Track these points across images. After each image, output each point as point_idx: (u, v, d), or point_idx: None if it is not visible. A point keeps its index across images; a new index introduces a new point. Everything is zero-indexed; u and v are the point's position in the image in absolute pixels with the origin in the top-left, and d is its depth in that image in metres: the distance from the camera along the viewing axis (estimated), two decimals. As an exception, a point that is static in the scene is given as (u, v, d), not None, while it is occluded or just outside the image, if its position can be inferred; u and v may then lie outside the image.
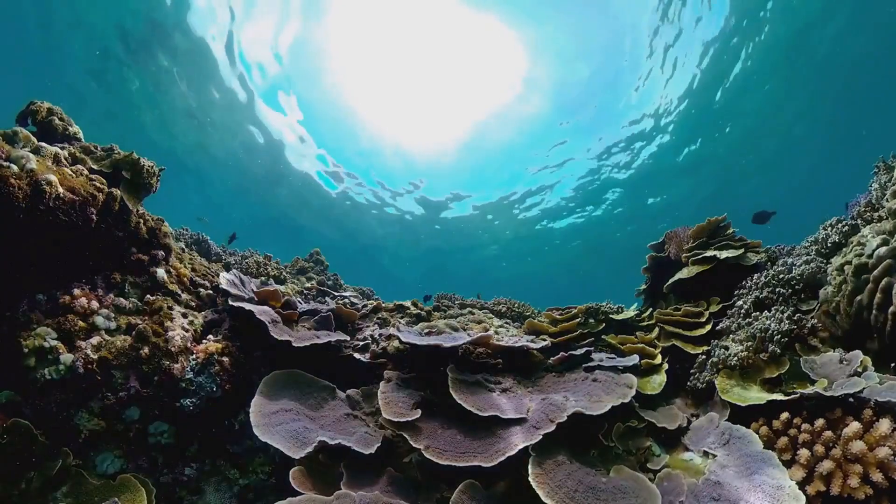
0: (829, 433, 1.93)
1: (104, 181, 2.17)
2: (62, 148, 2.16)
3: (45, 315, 2.02)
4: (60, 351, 1.99)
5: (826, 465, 1.86)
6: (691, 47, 13.05)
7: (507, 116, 15.92)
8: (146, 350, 2.18)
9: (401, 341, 2.89)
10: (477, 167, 18.63)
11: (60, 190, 1.98)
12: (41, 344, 1.94)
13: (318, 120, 16.03)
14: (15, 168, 1.83)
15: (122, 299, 2.26)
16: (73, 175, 2.06)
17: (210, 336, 2.45)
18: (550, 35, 13.13)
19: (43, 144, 2.05)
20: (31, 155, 1.89)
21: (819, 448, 1.92)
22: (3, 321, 1.94)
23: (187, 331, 2.35)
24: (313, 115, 15.83)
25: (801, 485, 1.88)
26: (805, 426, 2.02)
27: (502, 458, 2.14)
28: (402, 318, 3.31)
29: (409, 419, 2.37)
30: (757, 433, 2.14)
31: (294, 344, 2.65)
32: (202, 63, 12.92)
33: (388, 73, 14.64)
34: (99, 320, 2.15)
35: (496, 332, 3.27)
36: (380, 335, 3.07)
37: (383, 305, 3.38)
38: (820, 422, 1.98)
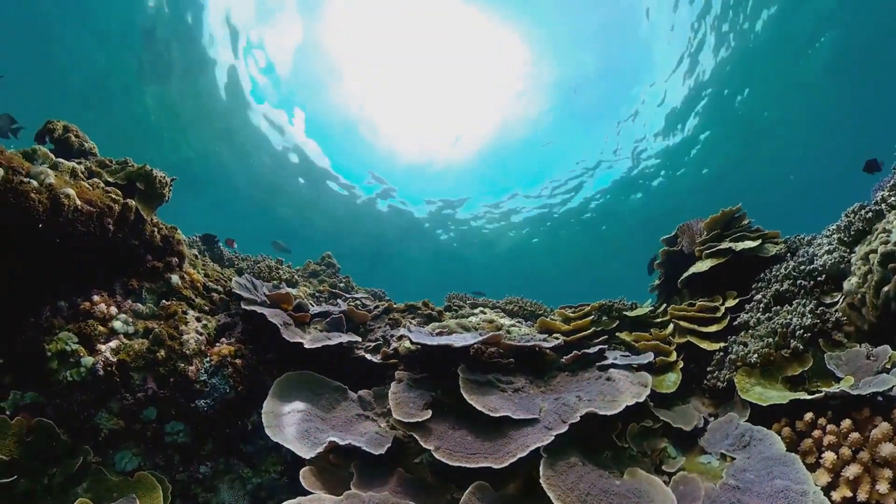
0: (856, 435, 1.82)
1: (119, 193, 2.27)
2: (79, 163, 2.28)
3: (67, 320, 2.13)
4: (81, 354, 2.09)
5: (853, 470, 1.75)
6: (701, 30, 12.57)
7: (516, 115, 15.88)
8: (162, 353, 2.27)
9: (411, 342, 2.89)
10: (487, 167, 18.64)
11: (78, 202, 2.09)
12: (63, 348, 2.05)
13: (326, 126, 16.36)
14: (35, 183, 1.95)
15: (139, 304, 2.36)
16: (90, 188, 2.17)
17: (223, 339, 2.53)
18: (556, 33, 12.98)
19: (60, 160, 2.17)
20: (49, 170, 2.01)
21: (845, 451, 1.81)
22: (28, 327, 2.05)
23: (201, 334, 2.44)
24: (322, 123, 16.16)
25: (827, 490, 1.78)
26: (830, 427, 1.90)
27: (513, 460, 2.11)
28: (413, 318, 3.32)
29: (420, 420, 2.36)
30: (779, 434, 2.03)
31: (306, 345, 2.70)
32: (209, 76, 13.41)
33: (398, 80, 14.89)
34: (117, 325, 2.25)
35: (508, 332, 3.23)
36: (391, 336, 3.08)
37: (395, 306, 3.40)
38: (846, 422, 1.86)
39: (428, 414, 2.39)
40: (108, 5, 11.40)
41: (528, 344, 2.95)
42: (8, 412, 1.92)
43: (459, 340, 2.83)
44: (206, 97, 14.29)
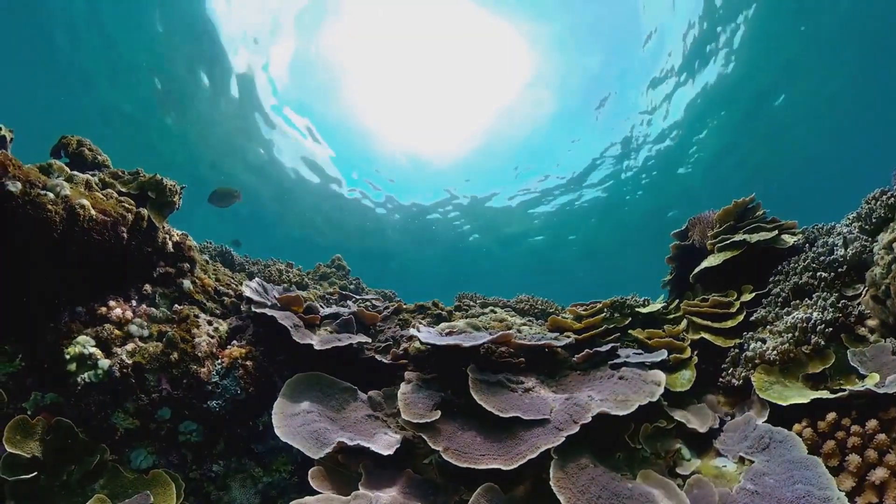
0: (882, 436, 1.71)
1: (132, 202, 2.36)
2: (93, 175, 2.39)
3: (84, 325, 2.22)
4: (98, 357, 2.17)
5: (879, 474, 1.65)
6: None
7: (519, 113, 15.75)
8: (175, 355, 2.35)
9: (421, 342, 2.89)
10: (491, 166, 18.48)
11: (93, 212, 2.19)
12: (81, 351, 2.14)
13: (333, 131, 16.56)
14: (51, 195, 2.05)
15: (153, 309, 2.44)
16: (104, 198, 2.26)
17: (234, 342, 2.59)
18: (557, 30, 12.79)
19: (75, 173, 2.27)
20: (64, 183, 2.10)
21: (871, 453, 1.71)
22: (48, 331, 2.15)
23: (213, 337, 2.50)
24: (328, 128, 16.39)
25: (851, 496, 1.68)
26: (855, 428, 1.80)
27: (523, 462, 2.08)
28: (423, 318, 3.32)
29: (429, 420, 2.35)
30: (800, 436, 1.92)
31: (316, 347, 2.73)
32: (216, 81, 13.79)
33: (399, 84, 14.98)
34: (133, 328, 2.34)
35: (518, 331, 3.19)
36: (401, 336, 3.09)
37: (405, 307, 3.41)
38: (872, 423, 1.76)
39: (437, 414, 2.38)
40: (125, 33, 11.99)
41: (539, 343, 2.90)
42: (29, 412, 2.01)
43: (469, 340, 2.81)
44: (216, 110, 14.75)
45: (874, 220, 2.43)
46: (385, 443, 2.38)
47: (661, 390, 2.34)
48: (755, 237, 2.67)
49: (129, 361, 2.25)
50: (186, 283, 2.59)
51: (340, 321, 3.10)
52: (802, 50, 12.55)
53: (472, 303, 3.79)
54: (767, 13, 11.69)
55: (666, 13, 12.26)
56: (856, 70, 13.10)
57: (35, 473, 1.87)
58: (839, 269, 2.31)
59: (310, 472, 2.16)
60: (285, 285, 3.40)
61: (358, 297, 3.79)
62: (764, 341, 2.23)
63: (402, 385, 2.66)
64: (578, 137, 16.83)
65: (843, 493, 1.64)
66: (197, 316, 2.52)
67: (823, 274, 2.33)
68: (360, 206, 21.12)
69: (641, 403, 2.27)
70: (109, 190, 2.34)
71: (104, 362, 2.19)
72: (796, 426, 1.96)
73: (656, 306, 3.05)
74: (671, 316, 2.93)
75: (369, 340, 3.05)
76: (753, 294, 2.61)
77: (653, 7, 12.24)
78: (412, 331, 3.09)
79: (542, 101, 15.38)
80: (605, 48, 13.53)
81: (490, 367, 2.80)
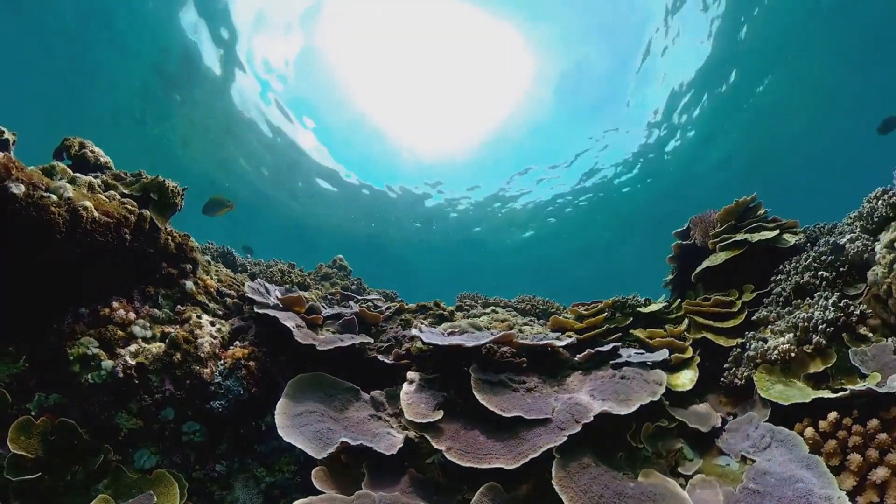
0: (883, 436, 1.72)
1: (135, 204, 2.37)
2: (95, 177, 2.39)
3: (88, 326, 2.23)
4: (102, 358, 2.18)
5: (880, 473, 1.65)
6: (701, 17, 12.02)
7: (522, 104, 15.75)
8: (178, 356, 2.35)
9: (423, 342, 2.89)
10: (485, 163, 18.55)
11: (96, 214, 2.19)
12: (85, 352, 2.15)
13: (333, 128, 16.60)
14: (54, 197, 2.05)
15: (156, 310, 2.45)
16: (107, 200, 2.27)
17: (237, 342, 2.60)
18: (550, 25, 12.81)
19: (78, 175, 2.27)
20: (67, 185, 2.11)
21: (872, 453, 1.71)
22: (51, 333, 2.15)
23: (215, 338, 2.51)
24: (327, 126, 16.41)
25: (852, 495, 1.69)
26: (856, 427, 1.81)
27: (525, 461, 2.09)
28: (425, 318, 3.33)
29: (432, 420, 2.36)
30: (801, 435, 1.93)
31: (318, 347, 2.74)
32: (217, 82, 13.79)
33: (399, 81, 15.07)
34: (136, 329, 2.35)
35: (520, 331, 3.19)
36: (403, 336, 3.10)
37: (406, 307, 3.41)
38: (873, 422, 1.76)
39: (440, 414, 2.39)
40: (112, 40, 12.02)
41: (541, 343, 2.91)
42: (33, 413, 2.02)
43: (471, 340, 2.81)
44: (213, 110, 14.80)
45: (876, 219, 2.43)
46: (388, 443, 2.38)
47: (663, 390, 2.35)
48: (756, 237, 2.67)
49: (133, 362, 2.25)
50: (189, 284, 2.59)
51: (343, 321, 3.10)
52: (794, 41, 12.50)
53: (473, 303, 3.79)
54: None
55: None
56: (857, 66, 13.07)
57: (39, 474, 1.87)
58: (841, 269, 2.31)
59: (313, 472, 2.17)
60: (287, 286, 3.40)
61: (360, 297, 3.79)
62: (765, 341, 2.24)
63: (405, 385, 2.67)
64: (573, 133, 16.82)
65: (845, 493, 1.65)
66: (199, 317, 2.52)
67: (825, 273, 2.33)
68: (358, 205, 21.13)
69: (643, 403, 2.28)
70: (112, 192, 2.35)
71: (107, 363, 2.19)
72: (798, 425, 1.97)
73: (658, 306, 3.05)
74: (673, 315, 2.94)
75: (371, 341, 3.06)
76: (755, 293, 2.61)
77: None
78: (414, 331, 3.10)
79: (537, 97, 15.41)
80: (594, 41, 13.54)
81: (492, 366, 2.81)
